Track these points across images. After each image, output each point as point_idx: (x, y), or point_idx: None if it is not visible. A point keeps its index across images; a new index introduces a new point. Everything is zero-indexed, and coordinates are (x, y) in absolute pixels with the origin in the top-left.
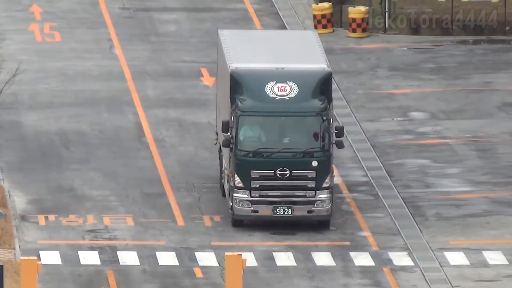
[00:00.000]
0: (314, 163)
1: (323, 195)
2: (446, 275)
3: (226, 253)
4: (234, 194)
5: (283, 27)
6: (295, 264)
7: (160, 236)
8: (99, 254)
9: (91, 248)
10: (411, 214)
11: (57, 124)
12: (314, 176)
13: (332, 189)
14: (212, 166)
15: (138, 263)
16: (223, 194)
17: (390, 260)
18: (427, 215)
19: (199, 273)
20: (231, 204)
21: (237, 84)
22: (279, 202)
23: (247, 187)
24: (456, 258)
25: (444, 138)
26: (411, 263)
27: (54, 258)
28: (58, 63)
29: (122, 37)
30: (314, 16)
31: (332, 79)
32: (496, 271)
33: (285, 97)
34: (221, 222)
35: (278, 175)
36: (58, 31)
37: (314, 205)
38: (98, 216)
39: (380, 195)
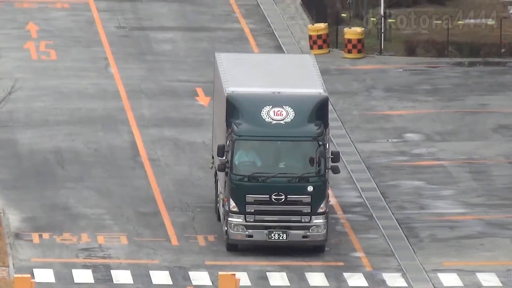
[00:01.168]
0: (310, 188)
1: (318, 220)
2: None
3: (220, 273)
4: (229, 219)
5: (278, 47)
6: (289, 284)
7: (154, 255)
8: (93, 272)
9: (85, 266)
10: (405, 235)
11: (52, 142)
12: (310, 201)
13: (328, 214)
14: (206, 185)
15: (132, 282)
16: (218, 219)
17: (383, 281)
18: (421, 236)
19: None
20: (226, 228)
21: (233, 108)
22: (274, 227)
23: (242, 211)
24: (450, 279)
25: (439, 159)
26: (404, 284)
27: (48, 276)
28: (53, 81)
29: (118, 56)
30: (310, 37)
31: (329, 103)
32: None
33: (281, 122)
34: (215, 242)
35: (273, 199)
36: (54, 49)
37: (309, 230)
38: (92, 234)
39: (374, 216)
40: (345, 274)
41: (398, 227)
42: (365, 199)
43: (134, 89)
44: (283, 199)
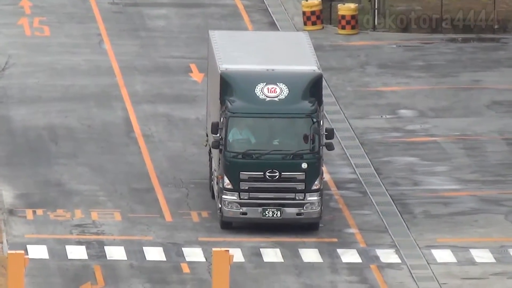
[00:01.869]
0: (304, 165)
1: (312, 198)
2: (433, 272)
3: (214, 249)
4: (223, 196)
5: (272, 23)
6: (282, 261)
7: (148, 232)
8: (87, 248)
9: (79, 242)
10: (399, 211)
11: (46, 119)
12: (304, 178)
13: (322, 191)
14: (200, 161)
15: (126, 258)
16: (213, 196)
17: (377, 257)
18: (415, 212)
19: (186, 269)
20: (219, 206)
21: (227, 85)
22: (268, 204)
23: (236, 189)
24: (443, 255)
25: (432, 136)
26: (398, 260)
27: (42, 253)
28: (47, 57)
29: (111, 32)
30: (304, 13)
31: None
32: (483, 269)
33: (275, 99)
34: (208, 218)
35: (267, 177)
36: (47, 25)
37: (303, 207)
38: (86, 210)
39: (368, 193)
40: (339, 251)
41: (392, 203)
42: (359, 175)
43: (127, 65)
44: (277, 176)
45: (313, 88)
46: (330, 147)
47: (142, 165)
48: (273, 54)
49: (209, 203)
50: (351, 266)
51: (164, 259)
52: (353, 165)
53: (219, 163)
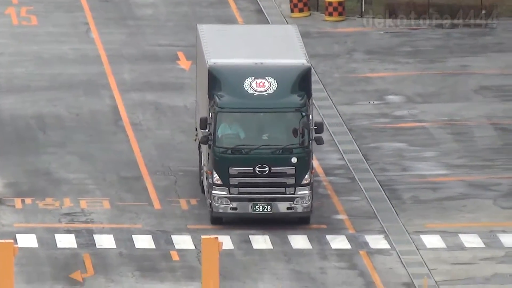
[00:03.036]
0: (294, 160)
1: (303, 192)
2: (422, 258)
3: (203, 236)
4: (213, 191)
5: (259, 11)
6: (272, 248)
7: (137, 219)
8: (76, 237)
9: (68, 231)
10: (387, 197)
11: (34, 108)
12: (294, 172)
13: (312, 185)
14: (188, 149)
15: (115, 246)
16: (202, 191)
17: (366, 243)
18: (403, 198)
19: (175, 256)
20: (209, 201)
21: (215, 80)
22: (259, 199)
23: (225, 184)
24: (433, 241)
25: (420, 121)
26: (387, 246)
27: (31, 241)
28: (34, 46)
29: (99, 21)
30: (291, 0)
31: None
32: (472, 254)
33: (264, 93)
34: (197, 206)
35: (257, 172)
36: (34, 14)
37: (293, 201)
38: (75, 199)
39: (357, 178)
40: (328, 237)
41: (381, 189)
42: (347, 161)
43: (115, 54)
44: (267, 171)
45: (302, 82)
46: (319, 141)
47: (131, 153)
48: (261, 48)
49: (197, 190)
50: (340, 252)
51: (153, 247)
52: (341, 151)
53: (208, 158)
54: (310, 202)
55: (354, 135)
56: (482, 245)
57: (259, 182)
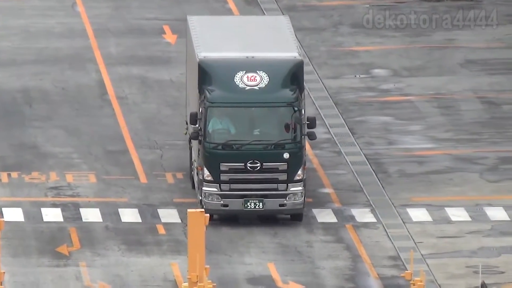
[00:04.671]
0: (286, 155)
1: (295, 188)
2: (408, 231)
3: (189, 210)
4: (203, 188)
5: None
6: (258, 221)
7: (123, 193)
8: (62, 211)
9: (54, 205)
10: (373, 171)
11: (20, 82)
12: (286, 168)
13: (305, 181)
14: (174, 123)
15: (101, 220)
16: (193, 187)
17: (352, 217)
18: (389, 172)
19: (161, 230)
20: (200, 198)
21: (205, 74)
22: (250, 196)
23: (216, 180)
24: (419, 214)
25: (406, 95)
26: (373, 220)
27: (17, 215)
28: (20, 20)
29: None
30: None
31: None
32: (459, 227)
33: (255, 88)
34: (183, 179)
35: (248, 168)
36: None
37: (286, 198)
38: (61, 173)
39: (343, 152)
40: (314, 210)
41: (367, 162)
42: (333, 135)
43: (101, 28)
44: (258, 167)
45: (294, 76)
46: (312, 136)
47: (117, 127)
48: (252, 40)
49: (183, 164)
50: (327, 226)
51: (140, 220)
52: (327, 125)
53: (198, 154)
54: (302, 198)
55: (340, 108)
56: (468, 219)
57: (251, 178)
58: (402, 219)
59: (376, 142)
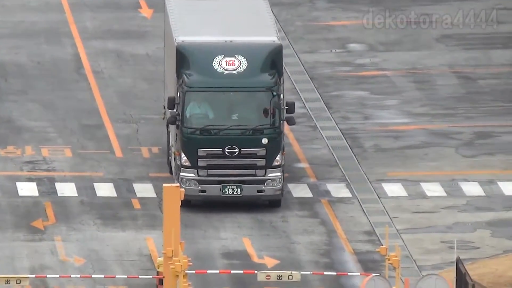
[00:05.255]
0: (264, 141)
1: (273, 174)
2: (384, 206)
3: (164, 185)
4: (181, 173)
5: None
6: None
7: (98, 168)
8: (37, 185)
9: (29, 179)
10: (349, 145)
11: None
12: (264, 154)
13: (283, 167)
14: (150, 97)
15: (76, 195)
16: (170, 172)
17: (328, 192)
18: (365, 146)
19: (137, 205)
20: (177, 183)
21: (183, 58)
22: (228, 182)
23: (194, 166)
24: (394, 189)
25: (382, 69)
26: (349, 195)
27: None
28: None
29: None
30: None
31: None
32: (434, 202)
33: (234, 72)
34: (159, 154)
35: (226, 153)
36: None
37: (264, 184)
38: (36, 147)
39: (318, 127)
40: (290, 185)
41: (342, 137)
42: (308, 109)
43: (76, 2)
44: (236, 152)
45: (273, 60)
46: (291, 121)
47: (92, 101)
48: (231, 24)
49: (159, 139)
50: (302, 201)
51: (115, 195)
52: (303, 100)
53: (176, 139)
54: (281, 184)
55: (316, 83)
56: (444, 194)
57: (229, 164)
58: (377, 194)
59: (352, 117)
